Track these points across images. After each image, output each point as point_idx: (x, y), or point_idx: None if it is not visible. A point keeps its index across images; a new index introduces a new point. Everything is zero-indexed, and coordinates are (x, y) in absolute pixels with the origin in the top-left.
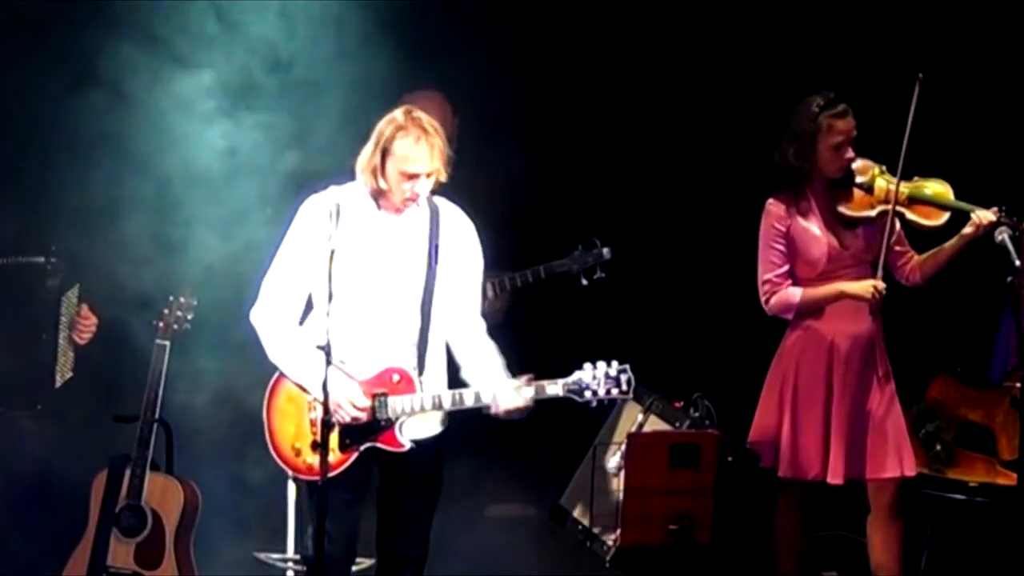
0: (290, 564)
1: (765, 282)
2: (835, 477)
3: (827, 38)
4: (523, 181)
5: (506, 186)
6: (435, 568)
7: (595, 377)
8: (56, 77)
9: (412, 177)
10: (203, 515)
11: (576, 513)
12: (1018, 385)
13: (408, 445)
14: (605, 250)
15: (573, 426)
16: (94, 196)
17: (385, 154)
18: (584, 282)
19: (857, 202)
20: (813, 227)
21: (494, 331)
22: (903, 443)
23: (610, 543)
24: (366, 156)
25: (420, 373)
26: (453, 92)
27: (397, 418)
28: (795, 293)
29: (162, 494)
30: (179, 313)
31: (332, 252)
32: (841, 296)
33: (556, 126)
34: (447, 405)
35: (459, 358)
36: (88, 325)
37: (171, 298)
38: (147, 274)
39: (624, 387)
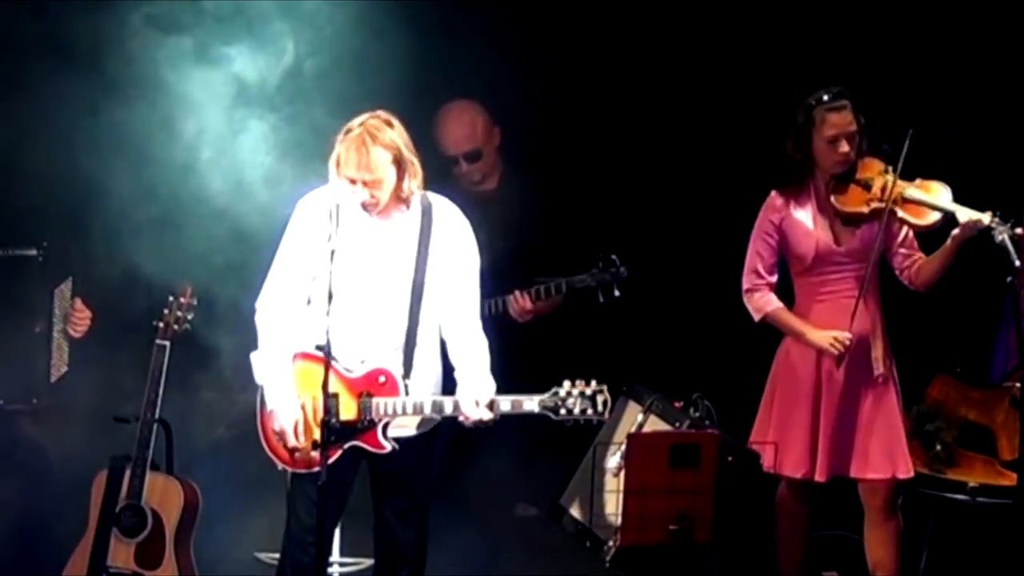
0: None
1: (749, 272)
2: (819, 475)
3: (841, 46)
4: (520, 181)
5: (515, 197)
6: (435, 568)
7: (571, 395)
8: (54, 67)
9: (352, 182)
10: (203, 515)
11: (575, 513)
12: (1018, 385)
13: (390, 447)
14: (623, 269)
15: (573, 426)
16: (93, 189)
17: (338, 159)
18: (601, 299)
19: (851, 198)
20: (806, 221)
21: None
22: (896, 445)
23: (610, 543)
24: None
25: (407, 375)
26: (437, 94)
27: (380, 419)
28: (769, 304)
29: (162, 494)
30: (179, 313)
31: (332, 252)
32: (801, 338)
33: (559, 135)
34: (428, 411)
35: (452, 356)
36: (82, 318)
37: (171, 298)
38: (148, 272)
39: (600, 408)
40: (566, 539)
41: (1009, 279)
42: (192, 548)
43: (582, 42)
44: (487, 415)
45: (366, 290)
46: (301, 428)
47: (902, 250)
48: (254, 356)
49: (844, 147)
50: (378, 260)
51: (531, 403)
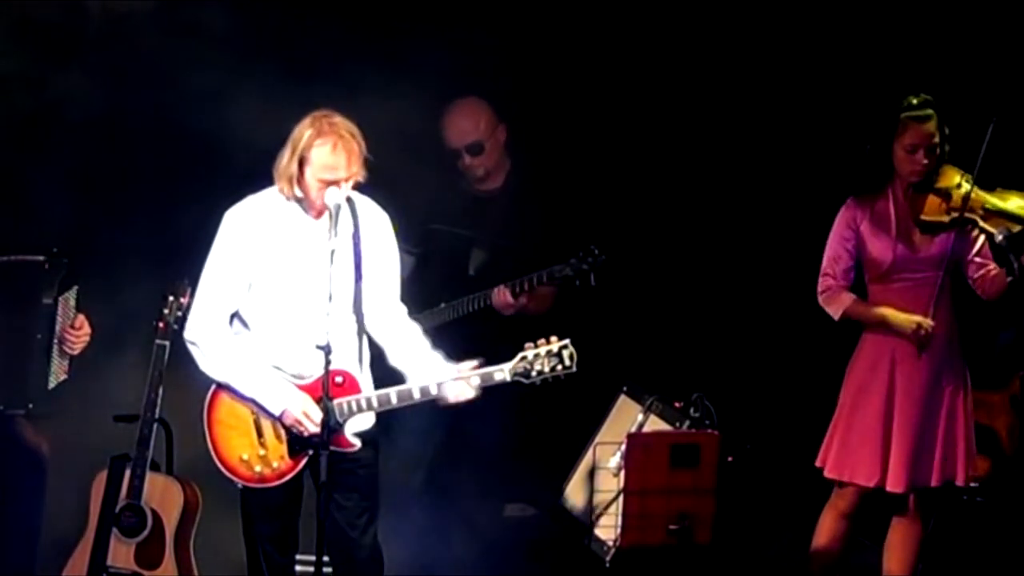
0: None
1: (824, 275)
2: (895, 485)
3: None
4: (521, 180)
5: (507, 187)
6: (436, 568)
7: (538, 356)
8: (52, 67)
9: (331, 183)
10: (203, 515)
11: (576, 513)
12: (1018, 385)
13: (358, 444)
14: (601, 257)
15: (572, 425)
16: (95, 190)
17: (303, 162)
18: (578, 284)
19: (931, 207)
20: (884, 228)
21: (500, 326)
22: (951, 452)
23: (610, 543)
24: (283, 164)
25: (360, 371)
26: (442, 94)
27: (345, 419)
28: (845, 299)
29: (162, 494)
30: (179, 313)
31: (332, 252)
32: (883, 322)
33: (555, 125)
34: (395, 402)
35: (384, 344)
36: (80, 336)
37: (170, 298)
38: (148, 272)
39: (567, 362)
40: (566, 539)
41: (1010, 279)
42: (192, 548)
43: (588, 41)
44: (471, 393)
45: (316, 290)
46: (312, 412)
47: (977, 259)
48: (222, 376)
49: (923, 159)
50: (322, 259)
51: (501, 373)
